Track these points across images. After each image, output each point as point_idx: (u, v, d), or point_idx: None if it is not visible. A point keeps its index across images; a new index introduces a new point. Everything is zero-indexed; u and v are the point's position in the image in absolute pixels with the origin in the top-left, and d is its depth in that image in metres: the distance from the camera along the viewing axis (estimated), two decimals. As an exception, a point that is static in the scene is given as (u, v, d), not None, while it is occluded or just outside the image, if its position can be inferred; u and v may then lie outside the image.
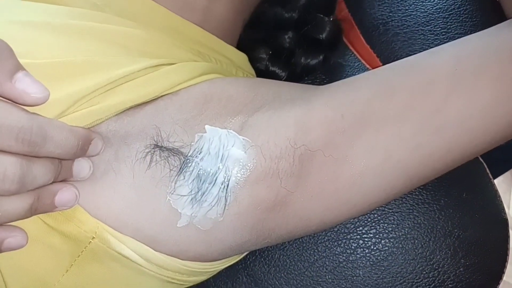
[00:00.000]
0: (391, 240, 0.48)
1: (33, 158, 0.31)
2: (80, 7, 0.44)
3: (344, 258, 0.48)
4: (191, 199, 0.37)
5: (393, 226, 0.48)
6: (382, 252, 0.48)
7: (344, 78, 0.44)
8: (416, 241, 0.48)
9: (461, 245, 0.48)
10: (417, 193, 0.49)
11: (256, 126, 0.39)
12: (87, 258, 0.37)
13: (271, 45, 0.60)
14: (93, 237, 0.36)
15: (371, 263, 0.48)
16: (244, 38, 0.57)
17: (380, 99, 0.39)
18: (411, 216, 0.48)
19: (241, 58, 0.53)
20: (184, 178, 0.37)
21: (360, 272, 0.48)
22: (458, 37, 0.43)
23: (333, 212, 0.41)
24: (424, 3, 0.56)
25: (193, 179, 0.37)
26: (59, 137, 0.31)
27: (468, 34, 0.43)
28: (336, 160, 0.39)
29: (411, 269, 0.47)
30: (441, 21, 0.55)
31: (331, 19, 0.59)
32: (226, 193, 0.37)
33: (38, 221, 0.35)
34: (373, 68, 0.56)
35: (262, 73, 0.59)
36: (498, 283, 0.51)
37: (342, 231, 0.49)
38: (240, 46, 0.56)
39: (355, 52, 0.58)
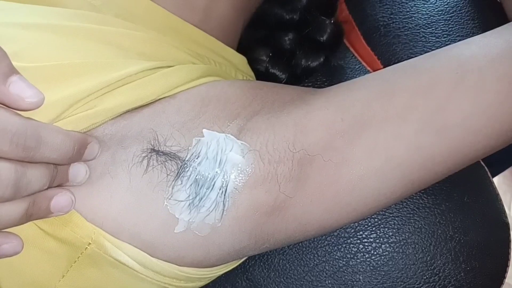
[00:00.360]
0: (392, 244, 0.48)
1: (27, 163, 0.30)
2: (77, 8, 0.43)
3: (344, 262, 0.48)
4: (189, 204, 0.37)
5: (394, 230, 0.48)
6: (383, 257, 0.47)
7: (345, 80, 0.44)
8: (417, 245, 0.47)
9: (462, 249, 0.48)
10: (417, 197, 0.49)
11: (254, 130, 0.39)
12: (85, 263, 0.36)
13: (271, 46, 0.60)
14: (90, 243, 0.35)
15: (372, 268, 0.47)
16: (244, 39, 0.57)
17: (380, 100, 0.39)
18: (411, 220, 0.48)
19: (241, 60, 0.53)
20: (182, 183, 0.37)
21: (360, 277, 0.48)
22: (460, 39, 0.43)
23: (333, 217, 0.40)
24: (425, 5, 0.56)
25: (191, 184, 0.37)
26: (54, 142, 0.31)
27: (469, 36, 0.42)
28: (335, 164, 0.39)
29: (411, 274, 0.47)
30: (442, 23, 0.54)
31: (332, 20, 0.59)
32: (224, 198, 0.37)
33: (33, 227, 0.35)
34: (373, 70, 0.56)
35: (262, 75, 0.58)
36: (500, 287, 0.50)
37: (342, 235, 0.49)
38: (240, 47, 0.56)
39: (355, 54, 0.58)
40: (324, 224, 0.41)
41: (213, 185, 0.37)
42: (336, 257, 0.48)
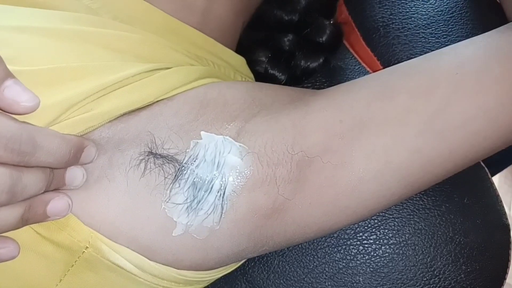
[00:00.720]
0: (392, 246, 0.47)
1: (23, 167, 0.30)
2: (74, 11, 0.43)
3: (344, 264, 0.48)
4: (187, 208, 0.36)
5: (394, 232, 0.48)
6: (382, 259, 0.47)
7: (344, 81, 0.44)
8: (417, 247, 0.47)
9: (462, 251, 0.48)
10: (417, 198, 0.49)
11: (253, 132, 0.39)
12: (82, 267, 0.36)
13: (271, 47, 0.60)
14: (87, 247, 0.35)
15: (371, 269, 0.47)
16: (243, 40, 0.57)
17: (380, 102, 0.39)
18: (411, 222, 0.48)
19: (240, 61, 0.53)
20: (179, 186, 0.36)
21: (360, 279, 0.47)
22: (459, 40, 0.43)
23: (332, 219, 0.40)
24: (425, 6, 0.56)
25: (189, 187, 0.36)
26: (50, 146, 0.31)
27: (469, 37, 0.42)
28: (334, 166, 0.38)
29: (411, 275, 0.47)
30: (442, 24, 0.54)
31: (332, 21, 0.59)
32: (222, 201, 0.37)
33: (30, 231, 0.35)
34: (373, 71, 0.56)
35: (261, 76, 0.58)
36: (500, 289, 0.50)
37: (342, 237, 0.49)
38: (239, 49, 0.55)
39: (355, 55, 0.58)
40: (323, 226, 0.41)
41: (211, 187, 0.37)
42: (336, 258, 0.48)
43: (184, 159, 0.37)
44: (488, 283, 0.49)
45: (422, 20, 0.55)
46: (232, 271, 0.46)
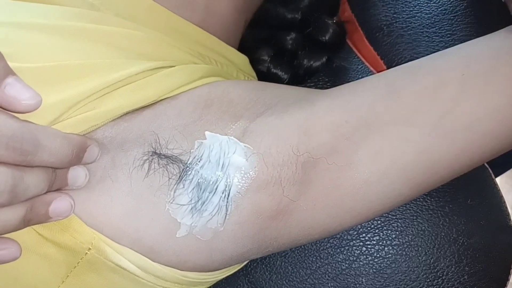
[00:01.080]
0: (395, 247, 0.47)
1: (25, 167, 0.30)
2: (76, 7, 0.43)
3: (346, 265, 0.48)
4: (191, 209, 0.36)
5: (397, 233, 0.48)
6: (385, 260, 0.47)
7: (348, 80, 0.44)
8: (420, 248, 0.47)
9: (465, 252, 0.48)
10: (421, 199, 0.49)
11: (258, 132, 0.38)
12: (84, 269, 0.36)
13: (274, 46, 0.60)
14: (89, 248, 0.35)
15: (374, 270, 0.47)
16: (245, 38, 0.57)
17: (386, 103, 0.39)
18: (415, 223, 0.48)
19: (242, 60, 0.53)
20: (184, 187, 0.36)
21: (363, 280, 0.47)
22: (464, 39, 0.43)
23: (337, 220, 0.40)
24: (429, 5, 0.55)
25: (193, 188, 0.36)
26: (52, 145, 0.30)
27: (474, 36, 0.42)
28: (340, 167, 0.38)
29: (414, 276, 0.47)
30: (446, 23, 0.54)
31: (335, 20, 0.58)
32: (227, 202, 0.36)
33: (32, 232, 0.34)
34: (377, 70, 0.56)
35: (263, 75, 0.58)
36: (503, 290, 0.50)
37: (345, 238, 0.49)
38: (241, 48, 0.55)
39: (358, 54, 0.58)
40: (328, 228, 0.40)
41: (216, 189, 0.36)
42: (339, 259, 0.48)
43: (188, 160, 0.36)
44: (491, 284, 0.49)
45: (426, 19, 0.55)
46: (235, 272, 0.46)
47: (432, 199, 0.49)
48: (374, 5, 0.58)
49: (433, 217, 0.48)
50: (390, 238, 0.48)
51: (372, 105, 0.39)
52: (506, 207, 0.52)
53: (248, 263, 0.50)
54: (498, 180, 0.52)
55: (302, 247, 0.49)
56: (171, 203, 0.36)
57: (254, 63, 0.57)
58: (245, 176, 0.37)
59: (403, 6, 0.56)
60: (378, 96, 0.39)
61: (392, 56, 0.55)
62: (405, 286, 0.47)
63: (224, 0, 0.50)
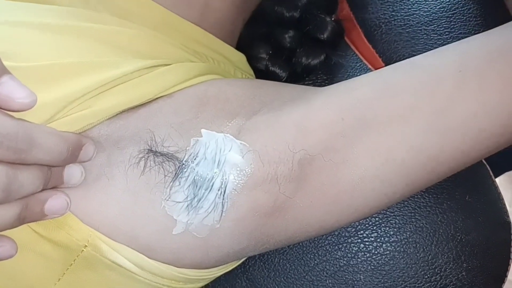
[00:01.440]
0: (393, 244, 0.47)
1: (20, 165, 0.30)
2: (72, 6, 0.43)
3: (345, 262, 0.48)
4: (187, 206, 0.36)
5: (395, 229, 0.48)
6: (384, 256, 0.47)
7: (346, 78, 0.44)
8: (418, 245, 0.47)
9: (463, 248, 0.48)
10: (419, 196, 0.49)
11: (254, 130, 0.38)
12: (80, 266, 0.36)
13: (272, 44, 0.60)
14: (86, 246, 0.35)
15: (372, 267, 0.47)
16: (243, 36, 0.57)
17: (382, 100, 0.39)
18: (413, 219, 0.48)
19: (240, 58, 0.53)
20: (180, 184, 0.36)
21: (361, 277, 0.47)
22: (462, 37, 0.43)
23: (334, 217, 0.40)
24: (427, 2, 0.55)
25: (189, 185, 0.36)
26: (47, 144, 0.30)
27: (472, 34, 0.42)
28: (336, 164, 0.38)
29: (412, 273, 0.47)
30: (444, 20, 0.54)
31: (333, 18, 0.58)
32: (223, 199, 0.37)
33: (27, 230, 0.34)
34: (375, 68, 0.56)
35: (261, 73, 0.58)
36: (501, 287, 0.50)
37: (343, 235, 0.49)
38: (239, 45, 0.55)
39: (356, 52, 0.58)
40: (325, 225, 0.40)
41: (212, 186, 0.36)
42: (337, 256, 0.48)
43: (184, 157, 0.37)
44: (489, 280, 0.49)
45: (424, 17, 0.55)
46: (233, 269, 0.46)
47: (430, 196, 0.49)
48: (372, 3, 0.58)
49: (431, 214, 0.48)
50: (388, 235, 0.48)
51: (369, 102, 0.39)
52: (504, 204, 0.51)
53: (246, 260, 0.50)
54: (496, 178, 0.52)
55: (300, 244, 0.49)
56: (167, 200, 0.36)
57: (252, 61, 0.57)
58: (241, 173, 0.37)
59: (401, 4, 0.56)
60: (375, 93, 0.39)
61: (391, 54, 0.55)
62: (403, 282, 0.47)
63: (222, -3, 0.50)
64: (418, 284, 0.47)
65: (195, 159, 0.37)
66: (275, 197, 0.38)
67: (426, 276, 0.47)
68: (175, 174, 0.36)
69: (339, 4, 0.61)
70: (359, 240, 0.48)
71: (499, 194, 0.51)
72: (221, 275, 0.45)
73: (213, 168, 0.37)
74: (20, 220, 0.31)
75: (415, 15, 0.55)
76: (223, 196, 0.37)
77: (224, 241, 0.38)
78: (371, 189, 0.39)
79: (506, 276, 0.50)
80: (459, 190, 0.49)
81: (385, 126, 0.38)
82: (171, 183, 0.36)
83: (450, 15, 0.54)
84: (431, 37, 0.54)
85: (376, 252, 0.48)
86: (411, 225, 0.48)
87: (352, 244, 0.48)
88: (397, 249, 0.47)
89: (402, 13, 0.56)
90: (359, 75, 0.54)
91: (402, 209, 0.48)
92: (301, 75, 0.58)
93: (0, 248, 0.31)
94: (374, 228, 0.48)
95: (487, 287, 0.49)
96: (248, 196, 0.37)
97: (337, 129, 0.38)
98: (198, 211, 0.36)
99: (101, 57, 0.39)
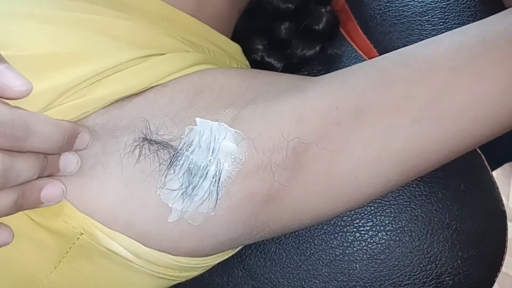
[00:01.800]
0: (388, 233, 0.47)
1: (16, 153, 0.30)
2: None
3: (340, 251, 0.48)
4: (182, 194, 0.36)
5: (390, 218, 0.48)
6: (379, 245, 0.47)
7: (341, 69, 0.44)
8: (413, 233, 0.47)
9: (458, 237, 0.48)
10: (414, 185, 0.49)
11: (248, 118, 0.38)
12: (76, 254, 0.36)
13: (267, 35, 0.60)
14: (82, 233, 0.35)
15: (368, 256, 0.47)
16: (239, 28, 0.57)
17: (377, 89, 0.39)
18: (408, 208, 0.48)
19: (235, 48, 0.53)
20: (174, 172, 0.36)
21: (357, 265, 0.47)
22: (456, 27, 0.43)
23: (328, 205, 0.40)
24: (421, -7, 0.55)
25: (184, 173, 0.36)
26: (43, 131, 0.31)
27: (465, 24, 0.42)
28: (330, 153, 0.38)
29: (408, 262, 0.47)
30: (438, 11, 0.54)
31: (328, 9, 0.58)
32: (217, 187, 0.37)
33: (24, 217, 0.34)
34: (370, 59, 0.55)
35: (257, 64, 0.58)
36: (496, 275, 0.50)
37: (339, 224, 0.49)
38: (235, 37, 0.55)
39: (352, 43, 0.58)
40: (320, 213, 0.41)
41: (206, 173, 0.37)
42: (333, 245, 0.48)
43: (179, 145, 0.37)
44: (484, 269, 0.49)
45: (418, 8, 0.55)
46: (229, 259, 0.46)
47: (425, 185, 0.49)
48: (367, -7, 0.58)
49: (426, 203, 0.48)
50: (384, 224, 0.48)
51: (363, 91, 0.39)
52: (499, 193, 0.52)
53: (242, 250, 0.50)
54: (493, 173, 0.52)
55: (296, 233, 0.49)
56: (162, 188, 0.36)
57: (248, 52, 0.57)
58: (236, 161, 0.37)
59: (396, -6, 0.56)
60: (369, 82, 0.39)
61: (386, 45, 0.55)
62: (399, 271, 0.47)
63: (218, -10, 0.50)
64: (414, 272, 0.47)
65: (189, 147, 0.37)
66: (270, 185, 0.38)
67: (422, 265, 0.47)
68: (170, 162, 0.36)
69: (334, -4, 0.61)
70: (355, 229, 0.48)
71: (494, 183, 0.51)
72: (218, 264, 0.46)
73: (208, 156, 0.37)
74: (17, 207, 0.32)
75: (409, 6, 0.55)
76: (218, 184, 0.37)
77: (219, 229, 0.38)
78: (365, 178, 0.39)
79: (501, 264, 0.50)
80: (454, 179, 0.49)
81: (379, 114, 0.38)
82: (166, 171, 0.36)
83: (444, 6, 0.54)
84: (426, 28, 0.54)
85: (371, 241, 0.48)
86: (406, 214, 0.48)
87: (348, 233, 0.48)
88: (393, 238, 0.47)
89: (396, 4, 0.56)
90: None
91: (397, 198, 0.48)
92: (296, 66, 0.58)
93: None
94: (370, 217, 0.48)
95: (482, 275, 0.49)
96: (242, 184, 0.37)
97: (331, 118, 0.38)
98: (193, 199, 0.37)
99: (96, 47, 0.39)
